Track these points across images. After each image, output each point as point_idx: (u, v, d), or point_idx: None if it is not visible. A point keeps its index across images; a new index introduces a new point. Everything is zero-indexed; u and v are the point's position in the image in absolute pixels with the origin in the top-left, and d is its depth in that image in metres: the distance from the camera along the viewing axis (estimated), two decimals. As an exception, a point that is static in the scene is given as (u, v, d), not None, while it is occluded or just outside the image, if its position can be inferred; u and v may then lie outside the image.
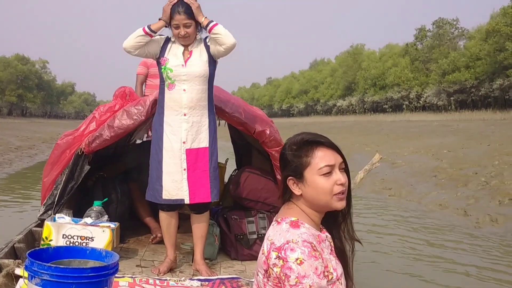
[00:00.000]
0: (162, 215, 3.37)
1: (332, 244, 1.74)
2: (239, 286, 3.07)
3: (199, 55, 3.27)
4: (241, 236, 3.83)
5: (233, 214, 3.96)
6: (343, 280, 1.68)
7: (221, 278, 3.18)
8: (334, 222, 1.77)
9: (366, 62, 63.96)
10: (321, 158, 1.63)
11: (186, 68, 3.24)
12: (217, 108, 3.62)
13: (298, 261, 1.50)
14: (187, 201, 3.26)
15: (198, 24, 3.23)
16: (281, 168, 1.73)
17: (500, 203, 7.89)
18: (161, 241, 3.91)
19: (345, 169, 1.68)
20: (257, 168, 4.26)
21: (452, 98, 46.38)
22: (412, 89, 52.97)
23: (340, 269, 1.69)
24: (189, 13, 3.16)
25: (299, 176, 1.66)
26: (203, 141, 3.30)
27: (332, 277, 1.61)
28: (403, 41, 58.70)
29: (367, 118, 53.17)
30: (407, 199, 9.48)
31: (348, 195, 1.69)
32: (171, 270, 3.31)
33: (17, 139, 23.44)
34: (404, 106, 54.75)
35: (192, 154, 3.27)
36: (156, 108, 3.52)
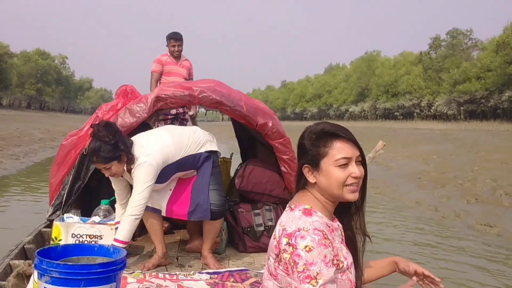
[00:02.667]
0: (145, 214, 3.24)
1: (343, 233, 1.76)
2: (248, 277, 3.09)
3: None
4: (248, 229, 3.87)
5: (240, 207, 3.99)
6: (353, 269, 1.70)
7: (230, 271, 3.19)
8: (347, 212, 1.78)
9: (380, 69, 64.75)
10: (339, 149, 1.64)
11: None
12: (218, 102, 3.69)
13: (307, 249, 1.52)
14: (163, 213, 3.32)
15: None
16: (298, 156, 1.74)
17: (468, 202, 8.95)
18: (168, 232, 4.12)
19: (362, 163, 1.69)
20: (262, 161, 4.30)
21: (462, 108, 47.09)
22: (424, 98, 53.71)
23: (350, 259, 1.71)
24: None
25: (315, 165, 1.67)
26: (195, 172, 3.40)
27: (343, 266, 1.63)
28: (419, 49, 59.21)
29: (377, 124, 54.08)
30: (390, 196, 10.55)
31: (362, 188, 1.71)
32: (159, 266, 3.29)
33: (39, 132, 24.88)
34: (415, 114, 55.51)
35: (182, 181, 3.39)
36: (158, 105, 3.68)
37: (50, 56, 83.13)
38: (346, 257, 1.67)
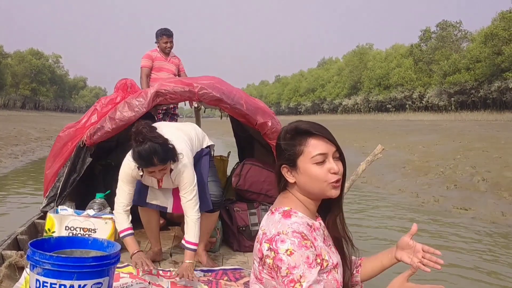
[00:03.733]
0: (142, 211, 3.28)
1: (324, 232, 1.74)
2: (242, 276, 3.09)
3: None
4: (244, 228, 3.85)
5: (236, 206, 3.97)
6: (340, 269, 1.68)
7: (224, 269, 3.20)
8: (328, 210, 1.76)
9: (371, 62, 65.20)
10: (314, 146, 1.63)
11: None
12: (218, 99, 3.65)
13: (288, 252, 1.51)
14: (169, 210, 3.30)
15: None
16: (276, 157, 1.74)
17: (447, 188, 9.48)
18: (164, 228, 4.11)
19: (340, 158, 1.68)
20: (259, 160, 4.26)
21: (452, 99, 47.66)
22: (415, 90, 54.26)
23: (336, 258, 1.69)
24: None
25: (293, 165, 1.66)
26: None
27: (327, 265, 1.62)
28: (410, 42, 59.73)
29: (370, 117, 54.64)
30: (375, 185, 11.08)
31: (342, 183, 1.69)
32: (153, 262, 3.16)
33: (36, 131, 25.25)
34: (407, 106, 56.06)
35: None
36: (157, 100, 3.66)
37: (44, 56, 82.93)
38: (331, 256, 1.65)
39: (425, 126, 25.49)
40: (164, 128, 3.11)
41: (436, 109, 50.22)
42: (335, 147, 1.65)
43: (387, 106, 59.71)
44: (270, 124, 3.72)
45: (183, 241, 3.04)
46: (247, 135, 4.63)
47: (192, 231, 3.00)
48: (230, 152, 5.28)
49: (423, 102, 53.44)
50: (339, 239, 1.75)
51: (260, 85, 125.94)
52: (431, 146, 14.77)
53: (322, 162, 1.62)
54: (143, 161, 2.78)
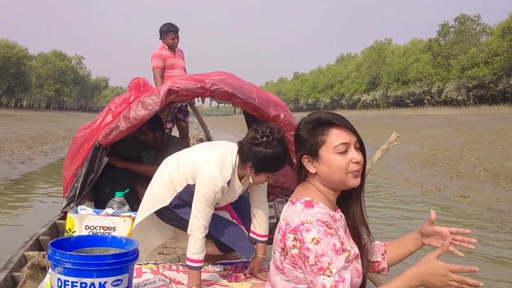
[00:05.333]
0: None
1: (345, 224, 1.74)
2: (262, 270, 3.07)
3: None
4: None
5: None
6: (359, 259, 1.69)
7: (243, 262, 3.17)
8: (347, 201, 1.75)
9: (390, 57, 65.17)
10: (337, 136, 1.63)
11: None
12: (230, 94, 3.64)
13: (315, 241, 1.51)
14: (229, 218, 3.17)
15: None
16: (296, 148, 1.73)
17: (450, 178, 10.05)
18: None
19: (361, 148, 1.68)
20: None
21: (471, 93, 47.55)
22: (434, 84, 54.20)
23: (356, 249, 1.69)
24: None
25: (314, 154, 1.66)
26: None
27: (349, 255, 1.62)
28: (428, 36, 59.64)
29: (388, 112, 54.74)
30: (384, 176, 11.69)
31: (362, 175, 1.69)
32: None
33: (62, 130, 26.36)
34: (426, 101, 56.00)
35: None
36: (170, 98, 3.68)
37: (67, 57, 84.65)
38: (352, 247, 1.67)
39: (439, 120, 25.87)
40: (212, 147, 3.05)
41: (454, 104, 50.09)
42: (356, 137, 1.66)
43: (406, 101, 59.67)
44: (282, 116, 3.69)
45: (253, 235, 2.99)
46: None
47: (264, 224, 2.96)
48: None
49: (442, 97, 53.34)
50: (358, 230, 1.75)
51: (278, 82, 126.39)
52: (440, 140, 15.28)
53: (344, 152, 1.63)
54: (279, 165, 2.70)
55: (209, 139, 6.78)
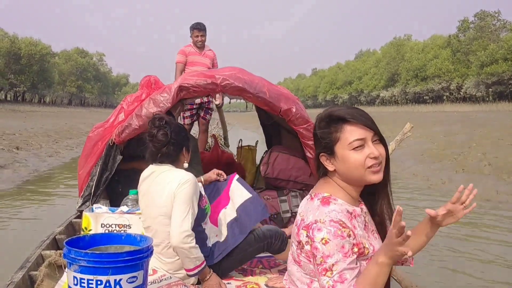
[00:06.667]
0: None
1: (366, 219, 1.70)
2: (277, 264, 3.11)
3: None
4: (275, 216, 3.86)
5: (266, 194, 4.00)
6: None
7: (258, 257, 3.14)
8: (373, 196, 1.71)
9: (409, 53, 65.09)
10: (351, 132, 1.59)
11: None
12: (241, 89, 3.63)
13: (323, 241, 1.50)
14: None
15: None
16: (315, 145, 1.71)
17: (456, 172, 10.47)
18: None
19: (381, 141, 1.63)
20: (286, 147, 4.26)
21: (490, 89, 47.40)
22: (453, 81, 54.08)
23: (378, 244, 1.66)
24: None
25: (331, 152, 1.63)
26: None
27: (368, 252, 1.60)
28: (448, 32, 59.44)
29: (406, 109, 54.83)
30: (393, 171, 12.06)
31: (386, 168, 1.64)
32: None
33: (85, 126, 27.25)
34: (445, 97, 55.91)
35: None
36: (181, 95, 3.67)
37: (89, 54, 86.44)
38: (372, 243, 1.64)
39: (454, 117, 26.09)
40: None
41: (473, 100, 49.96)
42: (373, 131, 1.61)
43: (424, 97, 59.60)
44: (294, 110, 3.64)
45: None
46: (273, 123, 4.67)
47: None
48: (257, 141, 5.46)
49: (461, 93, 53.20)
50: (383, 224, 1.72)
51: (297, 79, 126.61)
52: (451, 136, 15.63)
53: (360, 147, 1.59)
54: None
55: (225, 138, 7.01)
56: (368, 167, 1.58)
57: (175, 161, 2.74)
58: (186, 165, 2.82)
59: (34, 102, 65.97)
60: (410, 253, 1.47)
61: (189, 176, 2.63)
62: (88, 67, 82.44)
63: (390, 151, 3.91)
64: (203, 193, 2.81)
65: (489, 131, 15.55)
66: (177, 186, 2.57)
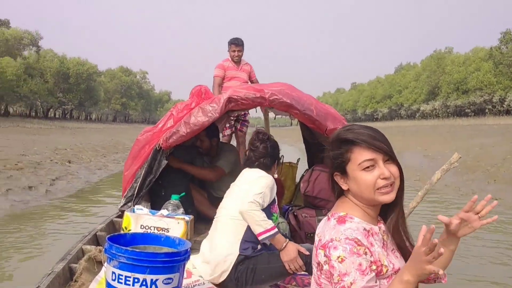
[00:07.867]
0: None
1: (384, 237, 1.67)
2: (310, 282, 2.68)
3: None
4: (311, 234, 3.80)
5: (304, 212, 3.99)
6: None
7: (293, 274, 3.10)
8: (388, 215, 1.68)
9: (449, 66, 64.25)
10: (360, 153, 1.59)
11: None
12: (289, 105, 3.65)
13: (340, 259, 1.49)
14: None
15: None
16: (328, 165, 1.72)
17: (488, 183, 10.72)
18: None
19: (393, 159, 1.60)
20: (328, 167, 4.31)
21: (535, 101, 46.36)
22: (495, 93, 53.06)
23: (398, 263, 1.62)
24: None
25: (343, 172, 1.64)
26: None
27: (387, 270, 1.57)
28: (490, 45, 58.41)
29: (447, 122, 54.03)
30: (426, 182, 12.42)
31: (399, 187, 1.61)
32: None
33: (130, 141, 28.38)
34: (487, 110, 54.84)
35: None
36: (230, 106, 3.73)
37: (132, 72, 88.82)
38: (392, 261, 1.61)
39: (493, 130, 25.88)
40: None
41: (517, 113, 48.88)
42: (382, 151, 1.59)
43: (466, 110, 58.60)
44: None
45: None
46: (317, 142, 4.59)
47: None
48: (299, 158, 5.49)
49: (504, 105, 52.09)
50: (403, 245, 1.70)
51: (336, 93, 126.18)
52: (487, 148, 15.73)
53: (371, 167, 1.59)
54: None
55: None
56: (378, 188, 1.59)
57: (267, 171, 3.09)
58: (275, 175, 3.14)
59: (81, 119, 68.66)
60: (441, 272, 1.46)
61: (272, 179, 2.99)
62: (132, 85, 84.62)
63: (435, 180, 3.98)
64: (276, 201, 3.00)
65: (526, 143, 15.58)
66: (261, 175, 2.99)
